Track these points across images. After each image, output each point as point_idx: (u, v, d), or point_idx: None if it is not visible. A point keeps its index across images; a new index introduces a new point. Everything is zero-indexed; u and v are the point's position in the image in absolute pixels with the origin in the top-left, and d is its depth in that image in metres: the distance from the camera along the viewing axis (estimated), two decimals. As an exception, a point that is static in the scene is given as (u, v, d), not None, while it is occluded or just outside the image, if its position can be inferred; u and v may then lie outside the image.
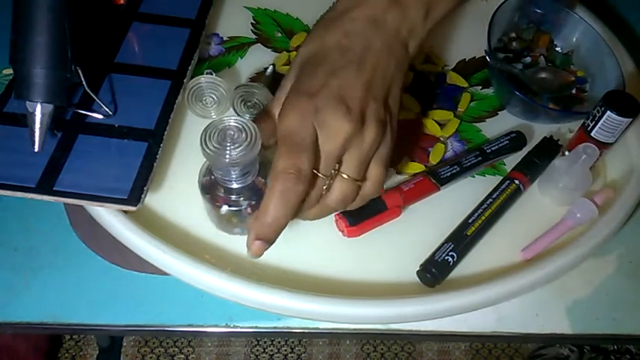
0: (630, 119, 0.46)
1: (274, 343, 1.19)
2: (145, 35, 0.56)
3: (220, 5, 0.63)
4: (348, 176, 0.41)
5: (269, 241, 0.39)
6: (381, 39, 0.43)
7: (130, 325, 0.45)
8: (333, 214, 0.47)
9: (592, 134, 0.48)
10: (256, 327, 0.45)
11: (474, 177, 0.52)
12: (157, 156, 0.47)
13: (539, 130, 0.55)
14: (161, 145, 0.48)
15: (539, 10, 0.59)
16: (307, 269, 0.46)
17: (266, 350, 1.18)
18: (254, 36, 0.61)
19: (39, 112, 0.43)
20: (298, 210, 0.41)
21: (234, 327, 0.45)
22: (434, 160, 0.53)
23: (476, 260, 0.47)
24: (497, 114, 0.57)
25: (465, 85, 0.58)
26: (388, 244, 0.48)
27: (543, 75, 0.57)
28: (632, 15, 0.68)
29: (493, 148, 0.52)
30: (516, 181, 0.50)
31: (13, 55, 0.43)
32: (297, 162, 0.38)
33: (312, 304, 0.42)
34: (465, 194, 0.51)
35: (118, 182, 0.45)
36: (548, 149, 0.53)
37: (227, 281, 0.43)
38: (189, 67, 0.53)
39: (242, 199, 0.44)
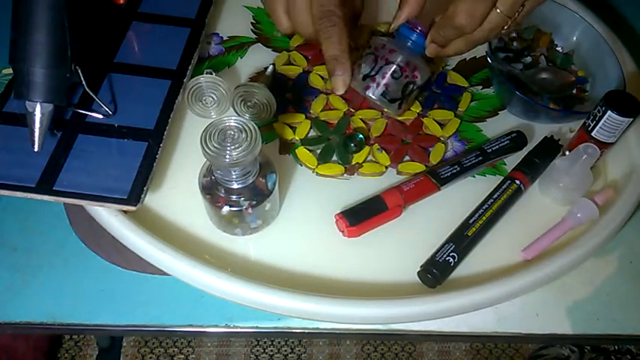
0: (631, 119, 0.46)
1: (274, 343, 1.19)
2: (144, 35, 0.56)
3: (220, 5, 0.63)
4: (501, 12, 0.45)
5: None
6: None
7: (130, 325, 0.44)
8: (334, 215, 0.47)
9: (593, 134, 0.48)
10: (256, 327, 0.45)
11: (474, 177, 0.52)
12: (157, 156, 0.47)
13: (540, 130, 0.55)
14: (161, 144, 0.48)
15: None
16: (307, 269, 0.46)
17: (266, 350, 1.18)
18: (254, 35, 0.61)
19: (39, 112, 0.43)
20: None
21: (234, 327, 0.45)
22: (434, 159, 0.53)
23: (476, 260, 0.47)
24: (497, 114, 0.57)
25: (466, 84, 0.58)
26: (388, 245, 0.48)
27: (544, 75, 0.57)
28: (633, 15, 0.68)
29: (494, 148, 0.52)
30: (517, 181, 0.50)
31: (13, 55, 0.43)
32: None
33: (312, 304, 0.42)
34: (465, 194, 0.51)
35: (117, 182, 0.45)
36: (549, 149, 0.52)
37: (227, 281, 0.43)
38: (189, 67, 0.53)
39: (242, 199, 0.44)
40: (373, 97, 0.50)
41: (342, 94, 0.49)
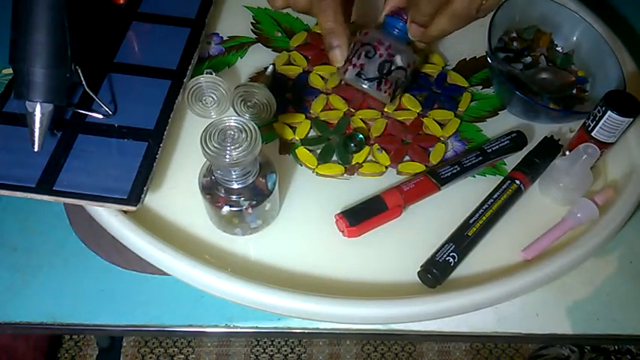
0: (631, 119, 0.46)
1: (274, 343, 1.19)
2: (144, 35, 0.56)
3: (220, 5, 0.63)
4: None
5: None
6: None
7: (130, 326, 0.44)
8: (334, 215, 0.47)
9: (593, 134, 0.48)
10: (256, 327, 0.45)
11: (474, 177, 0.52)
12: (157, 156, 0.47)
13: (540, 130, 0.55)
14: (161, 145, 0.48)
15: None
16: (307, 269, 0.46)
17: (266, 350, 1.18)
18: (254, 35, 0.61)
19: (38, 112, 0.43)
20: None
21: (234, 327, 0.45)
22: (434, 159, 0.53)
23: (476, 260, 0.47)
24: (497, 114, 0.57)
25: (466, 84, 0.58)
26: (388, 245, 0.48)
27: (544, 75, 0.57)
28: (633, 15, 0.68)
29: (494, 148, 0.52)
30: (517, 181, 0.50)
31: (13, 55, 0.43)
32: None
33: (312, 304, 0.42)
34: (465, 194, 0.51)
35: (117, 182, 0.45)
36: (549, 149, 0.52)
37: (227, 281, 0.43)
38: (189, 67, 0.53)
39: (242, 199, 0.44)
40: (350, 78, 0.51)
41: (340, 66, 0.49)
